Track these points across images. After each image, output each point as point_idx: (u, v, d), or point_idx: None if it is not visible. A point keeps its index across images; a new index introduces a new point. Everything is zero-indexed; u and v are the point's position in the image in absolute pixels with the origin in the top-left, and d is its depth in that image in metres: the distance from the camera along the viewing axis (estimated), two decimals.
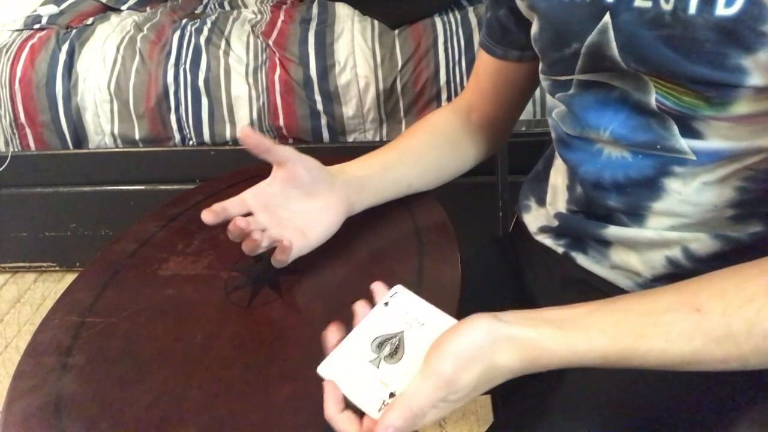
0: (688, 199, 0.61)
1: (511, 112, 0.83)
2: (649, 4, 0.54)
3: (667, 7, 0.52)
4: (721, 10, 0.49)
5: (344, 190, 0.69)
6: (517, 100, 0.82)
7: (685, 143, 0.59)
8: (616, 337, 0.48)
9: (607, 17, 0.57)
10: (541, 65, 0.69)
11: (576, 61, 0.62)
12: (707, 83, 0.53)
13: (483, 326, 0.49)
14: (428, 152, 0.78)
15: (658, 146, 0.60)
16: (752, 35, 0.48)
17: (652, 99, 0.58)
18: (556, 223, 0.75)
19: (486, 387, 0.50)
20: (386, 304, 0.55)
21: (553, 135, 0.73)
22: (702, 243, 0.63)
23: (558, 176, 0.76)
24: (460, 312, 0.61)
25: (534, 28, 0.67)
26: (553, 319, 0.50)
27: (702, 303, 0.48)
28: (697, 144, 0.58)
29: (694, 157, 0.59)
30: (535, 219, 0.80)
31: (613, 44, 0.57)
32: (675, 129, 0.59)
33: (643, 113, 0.60)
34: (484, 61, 0.79)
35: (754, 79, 0.51)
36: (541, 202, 0.80)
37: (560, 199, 0.74)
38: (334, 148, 1.69)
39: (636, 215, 0.65)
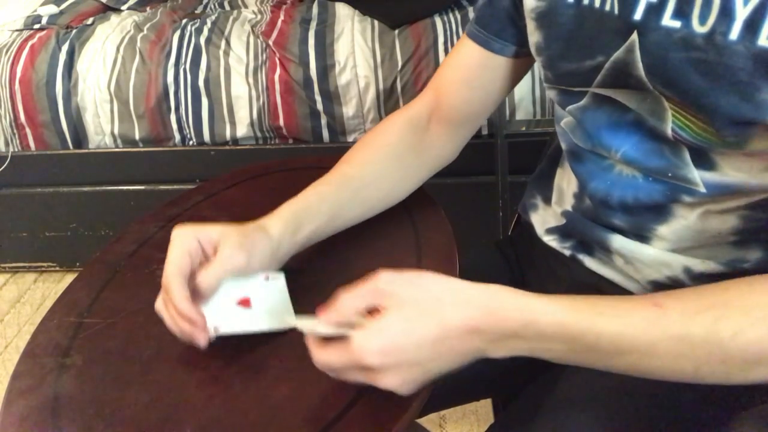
0: (693, 225, 0.61)
1: (484, 110, 0.78)
2: (678, 24, 0.52)
3: (702, 29, 0.51)
4: (764, 41, 0.48)
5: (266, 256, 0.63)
6: (495, 97, 0.76)
7: (697, 174, 0.58)
8: (573, 307, 0.49)
9: (634, 35, 0.55)
10: (545, 74, 0.67)
11: (596, 74, 0.60)
12: (729, 118, 0.52)
13: (441, 280, 0.51)
14: (379, 186, 0.73)
15: (670, 174, 0.60)
16: None
17: (668, 128, 0.57)
18: (563, 221, 0.74)
19: (441, 353, 0.49)
20: (267, 278, 0.63)
21: (563, 145, 0.72)
22: (703, 265, 0.63)
23: (564, 179, 0.75)
24: None
25: (537, 37, 0.65)
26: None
27: (662, 301, 0.49)
28: (708, 176, 0.57)
29: (703, 189, 0.58)
30: (542, 219, 0.78)
31: (640, 65, 0.56)
32: (688, 158, 0.58)
33: (657, 139, 0.59)
34: (471, 53, 0.73)
35: None
36: (548, 201, 0.78)
37: (567, 201, 0.74)
38: (334, 148, 1.69)
39: (640, 236, 0.65)
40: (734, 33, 0.49)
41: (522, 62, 0.73)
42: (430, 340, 0.48)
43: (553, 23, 0.62)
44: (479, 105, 0.76)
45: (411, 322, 0.48)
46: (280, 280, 0.64)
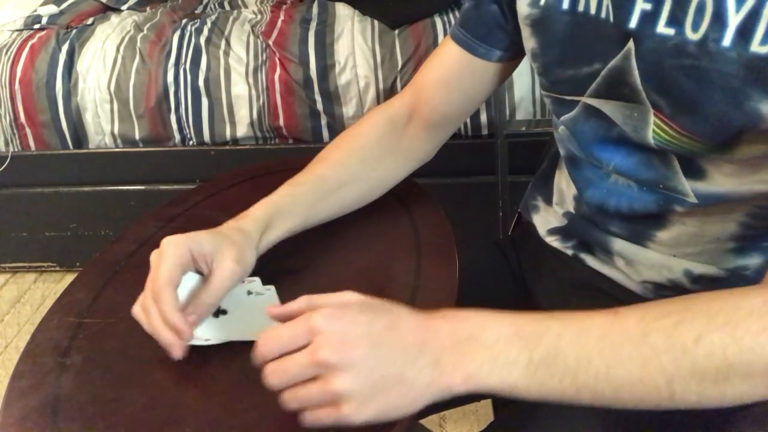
0: (692, 230, 0.61)
1: (463, 112, 0.77)
2: (672, 32, 0.52)
3: (695, 36, 0.51)
4: (756, 47, 0.48)
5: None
6: (475, 99, 0.76)
7: (687, 185, 0.58)
8: (527, 315, 0.48)
9: (630, 43, 0.55)
10: (540, 80, 0.67)
11: (591, 81, 0.60)
12: (719, 125, 0.51)
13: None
14: (356, 185, 0.73)
15: (661, 185, 0.60)
16: None
17: (650, 139, 0.58)
18: (565, 221, 0.74)
19: (392, 347, 0.46)
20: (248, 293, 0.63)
21: (561, 151, 0.72)
22: (703, 267, 0.63)
23: (563, 181, 0.75)
24: None
25: (532, 43, 0.64)
26: None
27: (619, 311, 0.47)
28: (699, 185, 0.58)
29: (694, 200, 0.58)
30: (544, 220, 0.78)
31: (636, 72, 0.56)
32: (678, 168, 0.58)
33: (644, 150, 0.60)
34: (454, 55, 0.72)
35: (765, 125, 0.50)
36: (549, 202, 0.78)
37: (568, 203, 0.74)
38: None
39: (640, 240, 0.65)
40: (727, 39, 0.49)
41: (505, 66, 0.72)
42: (381, 325, 0.46)
43: (548, 30, 0.62)
44: (458, 107, 0.76)
45: (365, 311, 0.47)
46: (270, 292, 0.62)
